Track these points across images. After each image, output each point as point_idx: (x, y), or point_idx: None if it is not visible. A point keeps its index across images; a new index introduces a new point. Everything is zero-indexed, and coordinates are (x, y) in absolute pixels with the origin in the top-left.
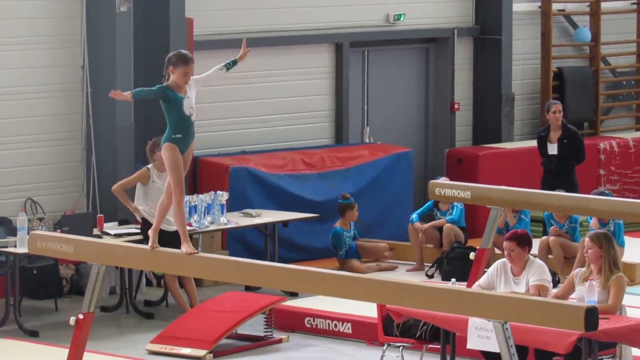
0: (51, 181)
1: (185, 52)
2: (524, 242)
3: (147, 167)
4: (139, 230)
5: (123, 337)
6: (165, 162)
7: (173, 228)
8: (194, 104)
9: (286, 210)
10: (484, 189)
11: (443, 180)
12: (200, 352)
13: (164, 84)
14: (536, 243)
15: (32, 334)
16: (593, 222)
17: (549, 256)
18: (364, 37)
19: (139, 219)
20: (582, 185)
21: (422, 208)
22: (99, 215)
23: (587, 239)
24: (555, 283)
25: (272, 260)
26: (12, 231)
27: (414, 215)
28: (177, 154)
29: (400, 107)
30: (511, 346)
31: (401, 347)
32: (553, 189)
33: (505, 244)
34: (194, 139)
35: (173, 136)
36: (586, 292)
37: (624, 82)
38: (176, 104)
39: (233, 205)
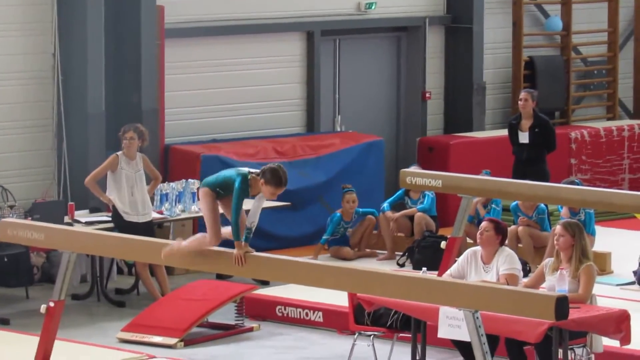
0: (22, 169)
1: (284, 174)
2: (500, 230)
3: (117, 154)
4: (110, 218)
5: (94, 325)
6: (202, 209)
7: (143, 219)
8: (258, 210)
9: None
10: (455, 178)
11: (414, 168)
12: (172, 341)
13: (248, 175)
14: None
15: (3, 322)
16: (564, 211)
17: (519, 245)
18: (336, 26)
19: (110, 207)
20: (553, 174)
21: (393, 197)
22: (70, 203)
23: (558, 226)
24: (527, 272)
25: None
26: None
27: (385, 204)
28: (211, 200)
29: (372, 96)
30: (482, 335)
31: (372, 336)
32: (524, 178)
33: (482, 223)
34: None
35: (217, 189)
36: (557, 282)
37: (595, 72)
38: (244, 199)
39: None
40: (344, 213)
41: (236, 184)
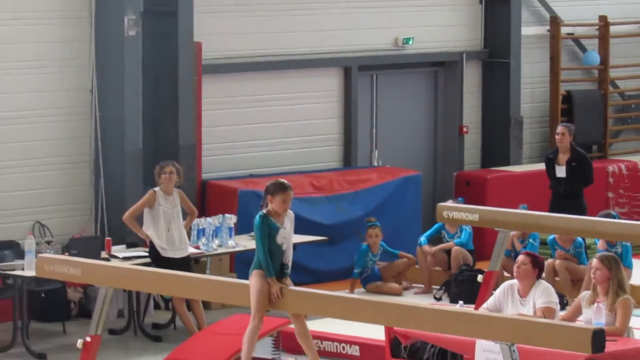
0: (59, 204)
1: (283, 180)
2: (537, 263)
3: (154, 190)
4: (147, 254)
5: (131, 359)
6: (251, 290)
7: (180, 254)
8: (287, 234)
9: (295, 233)
10: (492, 212)
11: (452, 203)
12: None
13: (263, 212)
14: None
15: (40, 357)
16: (600, 243)
17: (556, 279)
18: (373, 61)
19: (147, 242)
20: (591, 208)
21: (430, 230)
22: (107, 238)
23: (595, 260)
24: (564, 306)
25: None
26: (20, 254)
27: (423, 238)
28: (262, 282)
29: (409, 131)
30: None
31: None
32: (561, 212)
33: (519, 257)
34: (288, 274)
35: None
36: (594, 314)
37: (633, 105)
38: (272, 231)
39: (241, 228)
40: (370, 246)
41: (255, 223)
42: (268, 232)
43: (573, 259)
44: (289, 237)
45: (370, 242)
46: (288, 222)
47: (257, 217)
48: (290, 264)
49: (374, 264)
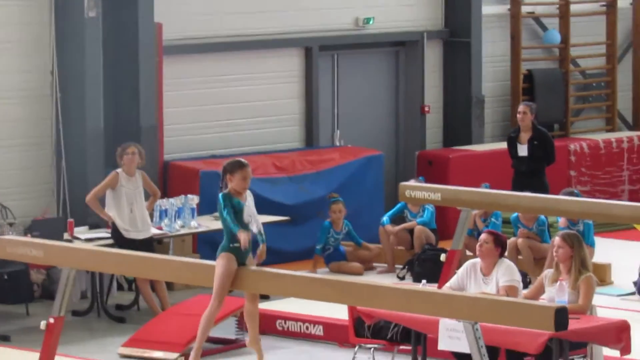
0: (21, 186)
1: (240, 158)
2: (500, 242)
3: (117, 172)
4: (109, 235)
5: (94, 341)
6: (216, 271)
7: (143, 236)
8: (252, 212)
9: (257, 213)
10: (454, 191)
11: (414, 182)
12: (172, 355)
13: (225, 192)
14: None
15: (4, 339)
16: (562, 221)
17: (519, 257)
18: (334, 41)
19: (110, 224)
20: (553, 186)
21: (393, 210)
22: (69, 219)
23: (557, 238)
24: (527, 284)
25: None
26: None
27: (385, 218)
28: (230, 265)
29: (371, 110)
30: (482, 347)
31: (372, 349)
32: (523, 191)
33: (482, 235)
34: (264, 241)
35: (231, 245)
36: (556, 293)
37: (594, 84)
38: (238, 210)
39: (204, 208)
40: (333, 222)
41: (219, 202)
42: (233, 210)
43: (536, 237)
44: (254, 214)
45: (335, 218)
46: (250, 200)
47: (220, 196)
48: (263, 231)
49: (337, 242)
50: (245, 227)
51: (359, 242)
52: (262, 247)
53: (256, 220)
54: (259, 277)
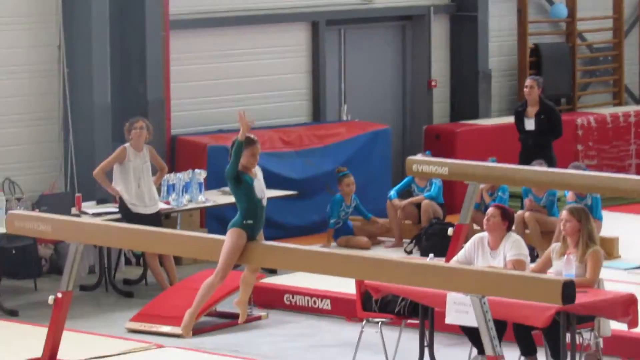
0: (29, 161)
1: (249, 134)
2: (507, 215)
3: (124, 146)
4: (117, 210)
5: (102, 315)
6: (225, 244)
7: (150, 211)
8: (263, 187)
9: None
10: (461, 165)
11: (421, 156)
12: (180, 330)
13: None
14: None
15: (12, 314)
16: (570, 195)
17: (526, 231)
18: (341, 16)
19: (117, 198)
20: (560, 161)
21: (400, 184)
22: (77, 194)
23: (564, 212)
24: (534, 258)
25: None
26: None
27: (392, 192)
28: (240, 241)
29: (378, 85)
30: (489, 320)
31: (380, 323)
32: (530, 165)
33: (489, 209)
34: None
35: (244, 222)
36: (564, 266)
37: (601, 58)
38: (248, 186)
39: (211, 183)
40: (344, 196)
41: (228, 177)
42: (245, 185)
43: (543, 210)
44: (264, 190)
45: (348, 191)
46: (260, 175)
47: (233, 144)
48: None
49: (346, 216)
50: (259, 203)
51: (367, 216)
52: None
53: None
54: (268, 251)
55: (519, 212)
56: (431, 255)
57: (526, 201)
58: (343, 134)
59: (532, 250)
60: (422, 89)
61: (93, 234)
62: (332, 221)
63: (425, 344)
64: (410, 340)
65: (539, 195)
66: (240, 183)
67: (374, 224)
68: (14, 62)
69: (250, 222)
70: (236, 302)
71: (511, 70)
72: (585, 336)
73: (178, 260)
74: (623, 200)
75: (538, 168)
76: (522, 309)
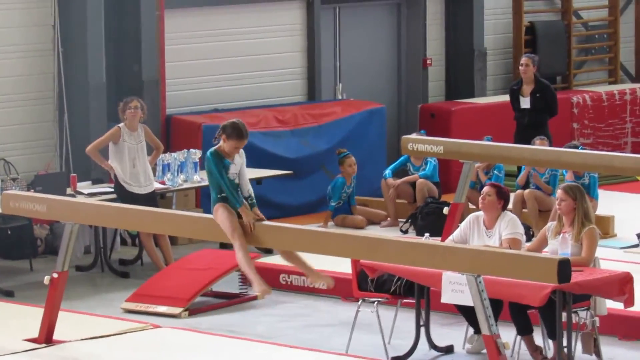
0: (24, 141)
1: (243, 126)
2: (502, 194)
3: (119, 126)
4: (112, 189)
5: (98, 295)
6: (218, 219)
7: (145, 190)
8: (238, 170)
9: (259, 167)
10: (457, 144)
11: (416, 135)
12: (176, 310)
13: (213, 149)
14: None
15: (7, 294)
16: (568, 175)
17: (524, 210)
18: None
19: (112, 177)
20: (556, 139)
21: (396, 163)
22: (72, 174)
23: (560, 190)
24: (530, 237)
25: None
26: None
27: (387, 171)
28: (224, 210)
29: (373, 64)
30: (485, 299)
31: (376, 302)
32: (526, 143)
33: (484, 188)
34: (255, 204)
35: (218, 196)
36: (559, 245)
37: (596, 36)
38: (225, 167)
39: None
40: (345, 177)
41: (208, 160)
42: (220, 166)
43: (547, 187)
44: (242, 171)
45: (350, 172)
46: (238, 159)
47: (208, 154)
48: (253, 195)
49: (347, 197)
50: (231, 183)
51: (352, 202)
52: (254, 211)
53: (246, 183)
54: (262, 230)
55: (518, 190)
56: (427, 234)
57: (522, 177)
58: (338, 113)
59: (527, 229)
60: (417, 67)
61: (88, 214)
62: (332, 204)
63: (421, 323)
64: (406, 319)
65: (540, 172)
66: (221, 167)
67: (376, 211)
68: (8, 42)
69: (224, 195)
70: (311, 280)
71: (506, 49)
72: (582, 315)
73: (173, 240)
74: (618, 179)
75: (534, 147)
76: (518, 288)
